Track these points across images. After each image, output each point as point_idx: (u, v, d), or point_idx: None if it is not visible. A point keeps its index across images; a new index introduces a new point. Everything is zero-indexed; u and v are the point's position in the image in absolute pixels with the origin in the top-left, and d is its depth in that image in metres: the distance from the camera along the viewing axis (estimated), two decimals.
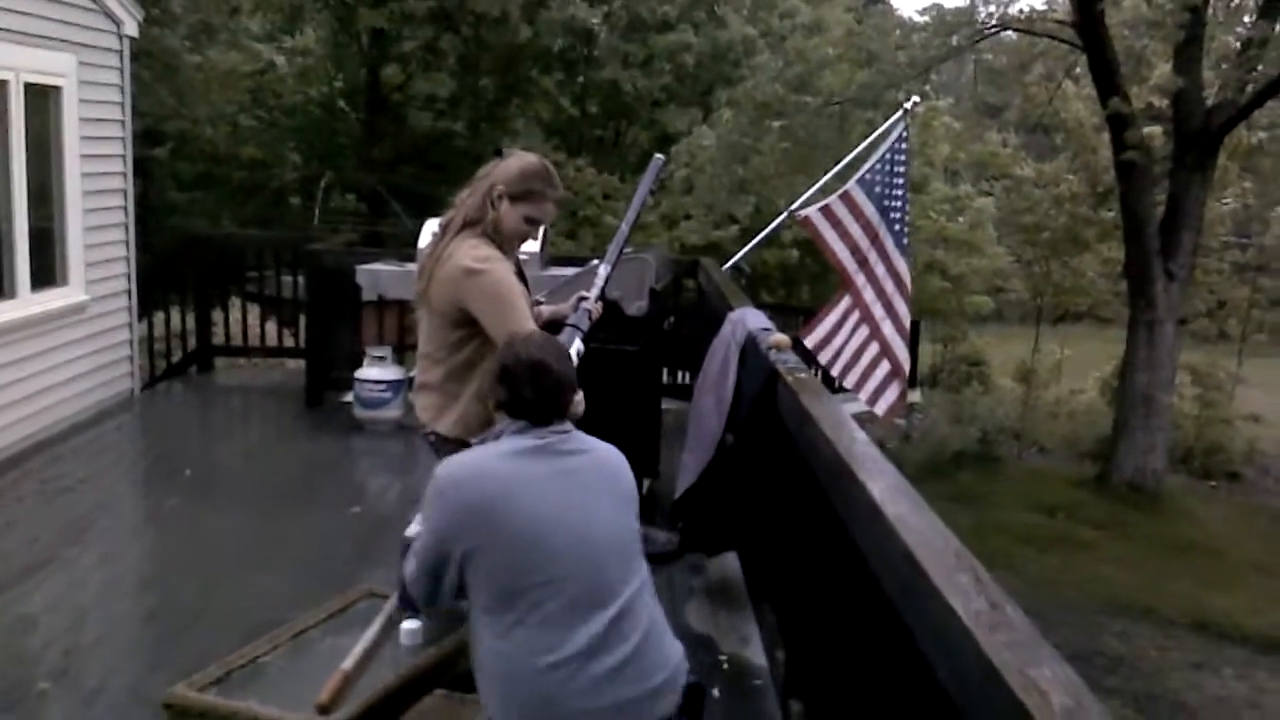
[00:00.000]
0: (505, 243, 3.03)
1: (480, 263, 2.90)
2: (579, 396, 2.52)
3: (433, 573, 2.32)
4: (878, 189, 6.35)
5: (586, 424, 2.52)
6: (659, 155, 3.74)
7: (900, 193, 6.46)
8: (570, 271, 5.71)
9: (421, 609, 2.54)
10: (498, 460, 2.34)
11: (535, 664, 2.18)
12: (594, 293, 3.22)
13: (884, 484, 2.20)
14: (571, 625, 2.20)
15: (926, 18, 15.05)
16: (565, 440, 2.38)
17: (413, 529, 2.47)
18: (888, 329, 6.45)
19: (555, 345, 2.53)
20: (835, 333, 6.42)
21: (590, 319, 3.14)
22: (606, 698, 2.19)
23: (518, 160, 3.05)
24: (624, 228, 3.44)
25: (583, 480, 2.36)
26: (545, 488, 2.30)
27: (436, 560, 2.29)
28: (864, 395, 6.57)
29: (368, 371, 6.85)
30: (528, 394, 2.36)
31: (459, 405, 3.00)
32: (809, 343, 6.31)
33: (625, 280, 4.75)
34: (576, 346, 3.00)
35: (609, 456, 2.46)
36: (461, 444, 2.95)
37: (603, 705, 2.19)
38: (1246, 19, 13.83)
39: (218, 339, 8.50)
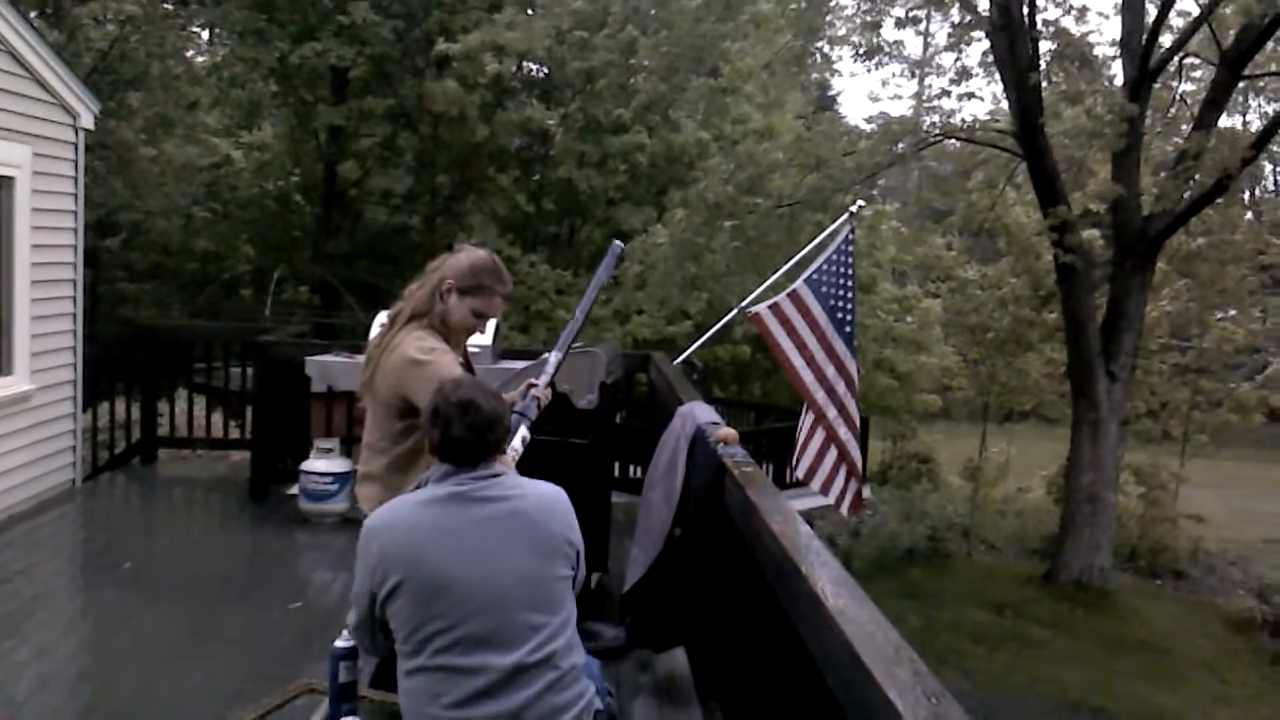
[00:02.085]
0: (452, 335, 3.07)
1: (425, 354, 2.93)
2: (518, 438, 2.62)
3: (363, 622, 2.43)
4: (824, 288, 6.49)
5: None
6: (617, 242, 3.82)
7: (848, 293, 6.60)
8: (521, 365, 5.74)
9: (369, 653, 2.62)
10: (413, 509, 2.42)
11: (434, 706, 2.28)
12: (544, 380, 3.26)
13: (827, 577, 2.22)
14: (470, 670, 2.28)
15: (873, 126, 15.51)
16: (486, 486, 2.43)
17: (351, 615, 2.52)
18: (843, 431, 6.54)
19: (484, 386, 2.58)
20: (799, 438, 6.54)
21: (539, 406, 3.17)
22: None
23: (468, 255, 3.11)
24: (579, 314, 3.49)
25: (497, 527, 2.40)
26: (456, 536, 2.36)
27: (364, 605, 2.39)
28: (831, 496, 6.65)
29: (314, 464, 6.79)
30: (456, 432, 2.41)
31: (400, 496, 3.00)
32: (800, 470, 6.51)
33: (576, 373, 4.79)
34: (523, 434, 3.02)
35: (536, 502, 2.49)
36: None
37: None
38: (1183, 129, 14.38)
39: (163, 430, 8.40)
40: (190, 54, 17.27)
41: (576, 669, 2.42)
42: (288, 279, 20.16)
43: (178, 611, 5.12)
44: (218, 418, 9.25)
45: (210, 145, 17.92)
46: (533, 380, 3.27)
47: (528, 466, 2.66)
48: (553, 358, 3.36)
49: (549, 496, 2.53)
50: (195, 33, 18.33)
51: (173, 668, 4.36)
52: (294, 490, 6.96)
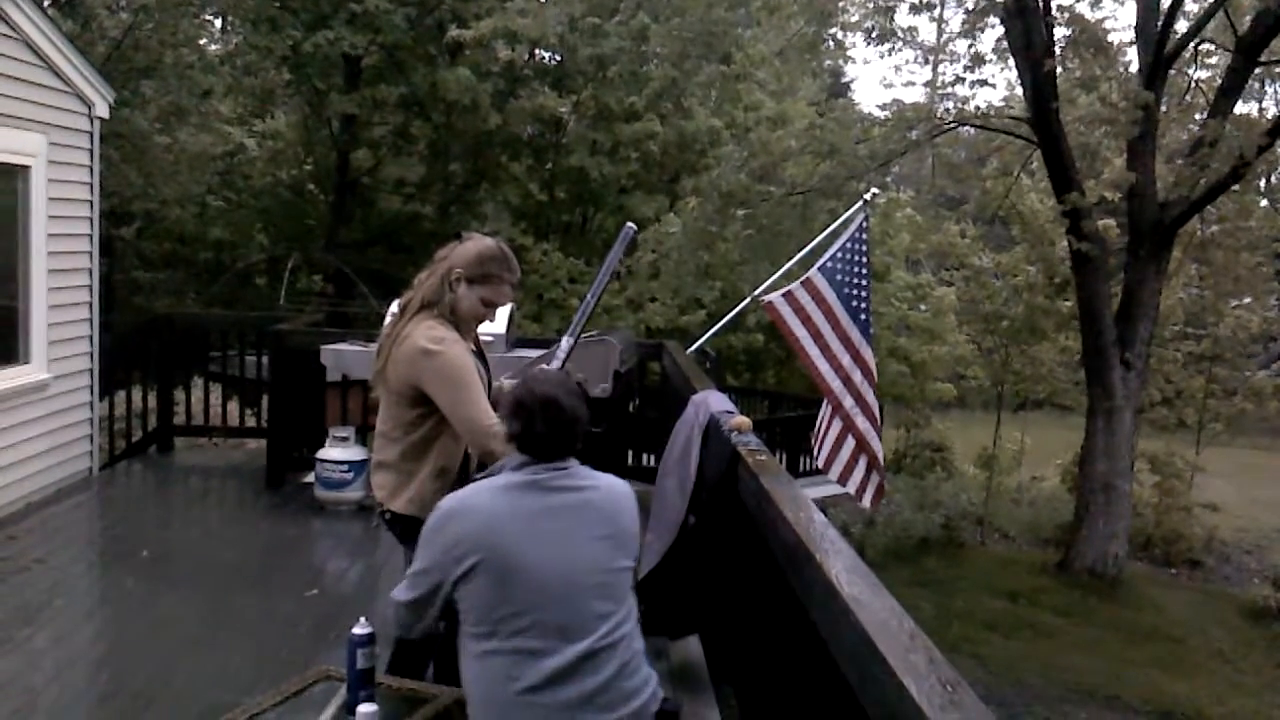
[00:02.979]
0: (462, 324, 3.08)
1: (435, 344, 2.94)
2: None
3: (423, 600, 2.45)
4: (838, 276, 6.47)
5: None
6: (629, 225, 3.82)
7: (863, 281, 6.58)
8: (535, 353, 5.75)
9: (403, 634, 2.62)
10: (490, 495, 2.46)
11: (508, 689, 2.32)
12: (555, 364, 3.26)
13: (841, 565, 2.22)
14: (543, 654, 2.32)
15: (886, 113, 15.46)
16: (562, 476, 2.48)
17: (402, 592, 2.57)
18: (860, 421, 6.51)
19: (569, 383, 2.60)
20: (820, 426, 6.52)
21: None
22: None
23: (475, 244, 3.11)
24: (590, 298, 3.50)
25: (572, 517, 2.45)
26: (532, 523, 2.41)
27: (428, 588, 2.43)
28: (851, 487, 6.63)
29: (330, 452, 6.82)
30: (539, 429, 2.46)
31: (414, 484, 3.02)
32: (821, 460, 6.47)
33: (590, 362, 4.80)
34: None
35: (607, 494, 2.55)
36: (416, 521, 2.97)
37: None
38: (1198, 116, 14.29)
39: (179, 419, 8.44)
40: (203, 42, 17.30)
41: (639, 655, 2.48)
42: (301, 267, 20.20)
43: (195, 599, 5.15)
44: (234, 406, 9.28)
45: (223, 134, 17.94)
46: (543, 366, 3.28)
47: None
48: (564, 343, 3.37)
49: (618, 488, 2.59)
50: (208, 21, 18.35)
51: (190, 655, 4.40)
52: (310, 478, 6.99)
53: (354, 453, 6.82)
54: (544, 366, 2.81)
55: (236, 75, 17.87)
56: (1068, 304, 15.85)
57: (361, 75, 18.94)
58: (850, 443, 6.49)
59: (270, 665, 4.04)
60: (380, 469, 3.10)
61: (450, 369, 2.94)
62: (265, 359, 8.06)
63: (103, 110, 7.23)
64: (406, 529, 3.04)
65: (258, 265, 20.84)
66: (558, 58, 20.04)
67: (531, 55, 19.77)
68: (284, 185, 21.14)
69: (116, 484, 7.53)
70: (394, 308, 3.28)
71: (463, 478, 3.06)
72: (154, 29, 14.27)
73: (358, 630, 2.67)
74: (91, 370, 7.32)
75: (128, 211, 16.65)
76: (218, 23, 19.63)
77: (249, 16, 17.51)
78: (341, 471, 6.77)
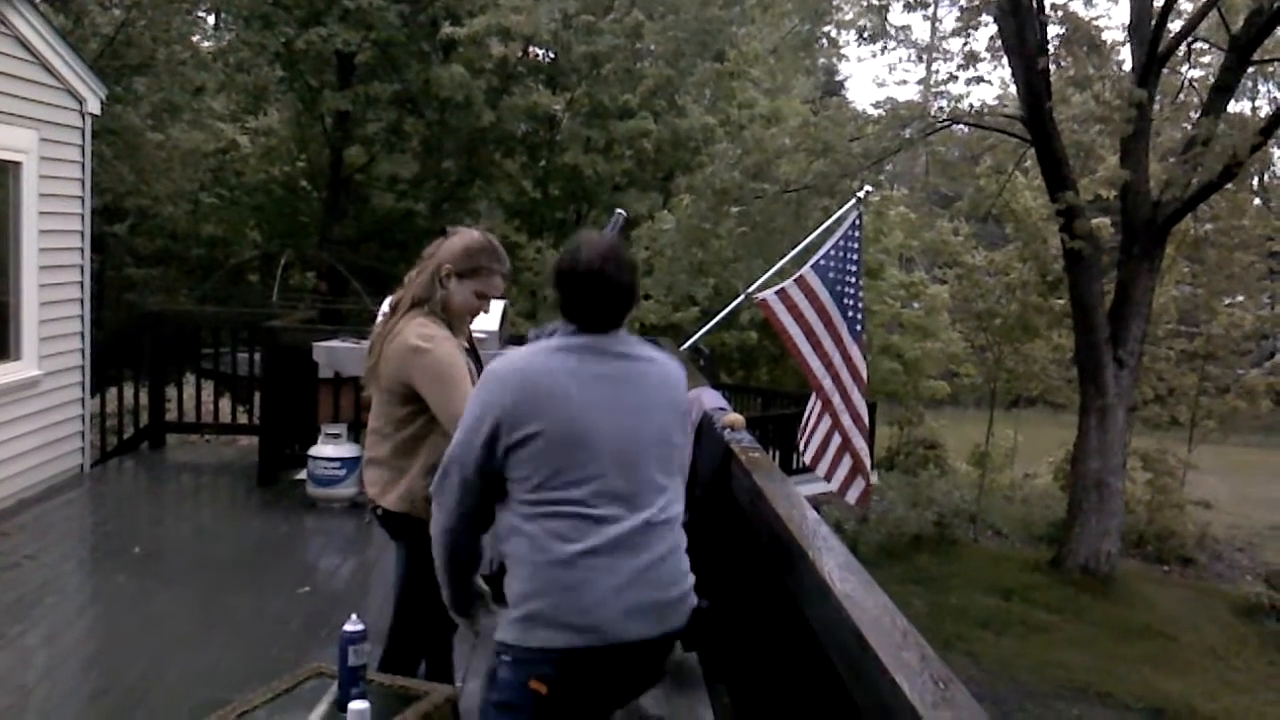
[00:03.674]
0: (454, 320, 3.09)
1: (426, 341, 2.95)
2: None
3: (471, 468, 2.30)
4: (831, 274, 6.46)
5: None
6: (619, 210, 3.80)
7: (854, 279, 6.58)
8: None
9: (445, 535, 2.42)
10: (547, 355, 2.35)
11: (564, 550, 2.21)
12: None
13: (834, 562, 2.23)
14: (603, 519, 2.24)
15: (880, 111, 15.43)
16: (617, 343, 2.38)
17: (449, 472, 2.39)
18: (846, 420, 6.51)
19: (619, 254, 2.44)
20: (808, 422, 6.51)
21: None
22: (628, 595, 2.23)
23: (462, 238, 3.11)
24: None
25: (632, 385, 2.37)
26: (595, 385, 2.31)
27: (477, 453, 2.28)
28: (835, 484, 6.63)
29: (322, 449, 6.80)
30: (584, 303, 2.35)
31: (405, 480, 3.02)
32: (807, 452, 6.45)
33: None
34: None
35: (663, 366, 2.47)
36: (407, 518, 2.97)
37: (624, 601, 2.22)
38: (1192, 115, 14.32)
39: (171, 415, 8.42)
40: (196, 39, 17.22)
41: (683, 543, 2.42)
42: (294, 264, 20.15)
43: (187, 596, 5.15)
44: (225, 403, 9.26)
45: (216, 131, 17.88)
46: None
47: None
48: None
49: (672, 363, 2.52)
50: (201, 18, 18.25)
51: (182, 652, 4.39)
52: (302, 475, 6.98)
53: (346, 450, 6.81)
54: (588, 234, 2.58)
55: (229, 72, 17.79)
56: (1060, 302, 15.88)
57: (355, 72, 18.89)
58: (837, 440, 6.49)
59: (262, 662, 4.03)
60: (372, 466, 3.10)
61: (440, 366, 2.94)
62: (257, 356, 8.05)
63: (94, 106, 7.21)
64: (398, 526, 3.04)
65: (250, 262, 20.79)
66: (551, 55, 20.01)
67: (525, 52, 19.73)
68: (277, 182, 21.07)
69: (108, 481, 7.52)
70: (385, 306, 3.27)
71: None
72: (147, 25, 14.20)
73: (349, 627, 2.67)
74: (83, 367, 7.31)
75: (120, 208, 16.59)
76: (210, 19, 19.56)
77: (242, 13, 17.46)
78: (334, 468, 6.75)
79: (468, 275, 3.06)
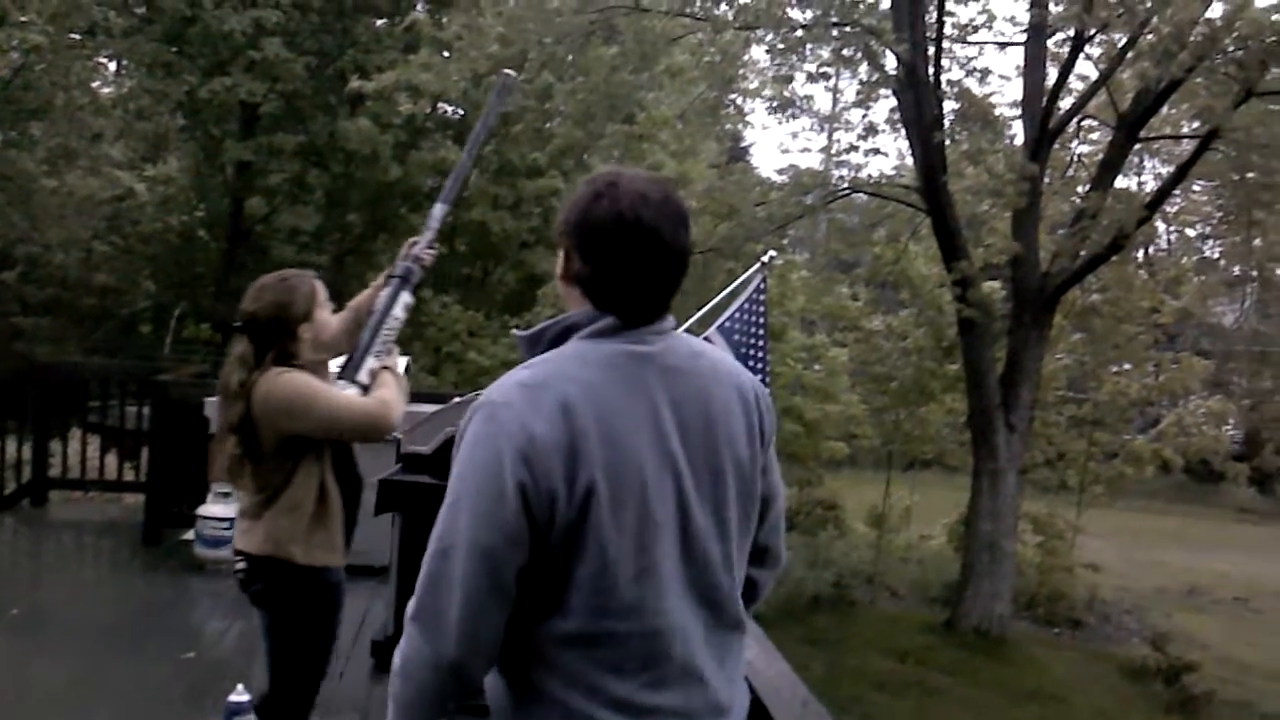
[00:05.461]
0: (315, 367, 3.06)
1: (269, 384, 2.95)
2: None
3: (482, 585, 1.45)
4: (737, 336, 6.52)
5: None
6: (508, 72, 3.59)
7: (760, 341, 6.65)
8: (430, 409, 5.66)
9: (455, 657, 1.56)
10: (578, 369, 1.48)
11: (611, 686, 1.50)
12: (426, 237, 3.15)
13: None
14: (660, 633, 1.48)
15: (784, 177, 15.78)
16: (669, 343, 1.57)
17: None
18: None
19: (673, 202, 1.60)
20: None
21: (422, 267, 3.04)
22: None
23: (254, 297, 3.11)
24: (465, 158, 3.37)
25: (700, 403, 1.55)
26: (651, 416, 1.48)
27: (496, 557, 1.43)
28: None
29: (211, 508, 6.60)
30: (625, 272, 1.53)
31: (263, 521, 2.92)
32: None
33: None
34: (405, 300, 2.90)
35: (730, 366, 1.70)
36: (273, 561, 2.85)
37: None
38: (1080, 189, 14.89)
39: (55, 471, 8.11)
40: (96, 85, 16.88)
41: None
42: (189, 316, 19.70)
43: (66, 660, 4.94)
44: (112, 459, 8.95)
45: (113, 178, 17.48)
46: (414, 239, 3.17)
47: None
48: (437, 209, 3.27)
49: (731, 365, 1.75)
50: (102, 63, 17.93)
51: (59, 719, 4.19)
52: (189, 535, 6.76)
53: (236, 509, 6.60)
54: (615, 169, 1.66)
55: (129, 119, 17.47)
56: (954, 367, 16.25)
57: (258, 122, 18.68)
58: None
59: None
60: (238, 519, 3.05)
61: (291, 392, 2.88)
62: (147, 410, 7.81)
63: None
64: (262, 572, 2.93)
65: (143, 313, 20.25)
66: (460, 112, 20.06)
67: (434, 109, 19.75)
68: (174, 231, 20.62)
69: None
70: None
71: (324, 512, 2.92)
72: (46, 70, 13.90)
73: (234, 697, 2.58)
74: None
75: (10, 255, 16.07)
76: (112, 66, 19.21)
77: (144, 60, 17.18)
78: (222, 529, 6.54)
79: (299, 319, 3.02)
